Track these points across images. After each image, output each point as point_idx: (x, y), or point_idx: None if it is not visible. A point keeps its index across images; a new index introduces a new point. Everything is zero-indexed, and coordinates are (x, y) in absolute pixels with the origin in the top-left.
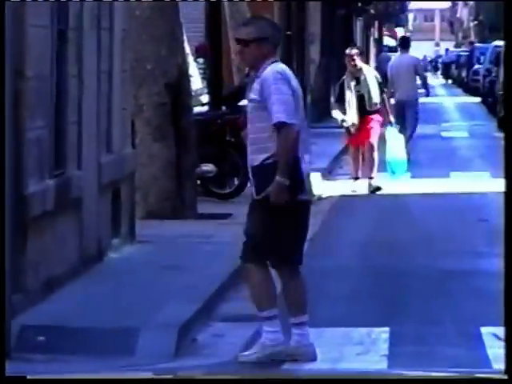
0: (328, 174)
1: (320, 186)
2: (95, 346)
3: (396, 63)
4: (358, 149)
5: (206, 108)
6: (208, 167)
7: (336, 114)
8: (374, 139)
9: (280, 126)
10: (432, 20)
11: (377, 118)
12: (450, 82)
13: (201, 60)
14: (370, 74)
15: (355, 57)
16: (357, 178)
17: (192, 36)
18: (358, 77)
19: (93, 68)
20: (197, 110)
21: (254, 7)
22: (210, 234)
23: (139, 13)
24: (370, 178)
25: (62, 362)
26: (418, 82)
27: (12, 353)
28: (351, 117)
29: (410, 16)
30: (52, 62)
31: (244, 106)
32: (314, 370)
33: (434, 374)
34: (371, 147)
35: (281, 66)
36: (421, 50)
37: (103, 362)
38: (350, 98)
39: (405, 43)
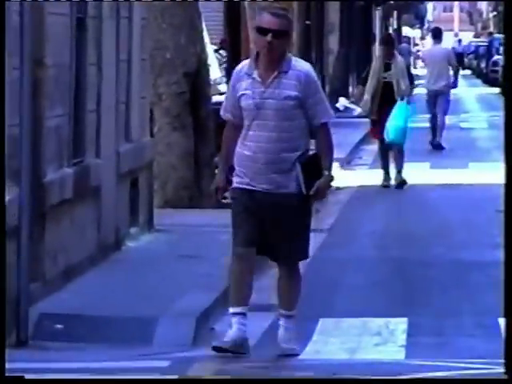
0: (347, 164)
1: (338, 176)
2: (113, 335)
3: (429, 54)
4: (383, 141)
5: (224, 97)
6: None
7: (341, 100)
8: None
9: (326, 124)
10: (451, 11)
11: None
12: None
13: (223, 52)
14: (401, 62)
15: (392, 40)
16: (387, 172)
17: (211, 25)
18: (389, 63)
19: (112, 57)
20: (215, 99)
21: None
22: (227, 223)
23: (158, 1)
24: (399, 171)
25: (79, 350)
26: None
27: (30, 341)
28: (364, 104)
29: (429, 6)
30: (71, 50)
31: None
32: (333, 360)
33: (434, 374)
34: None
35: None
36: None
37: (121, 351)
38: (374, 84)
39: (437, 34)
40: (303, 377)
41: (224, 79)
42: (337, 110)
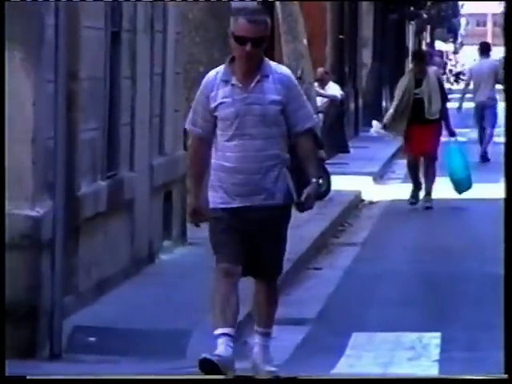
0: (379, 178)
1: (371, 190)
2: (146, 348)
3: (477, 68)
4: (415, 160)
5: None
6: None
7: (375, 126)
8: (433, 152)
9: (311, 129)
10: (484, 25)
11: (437, 127)
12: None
13: None
14: (434, 77)
15: (423, 56)
16: (417, 189)
17: None
18: (420, 79)
19: (146, 70)
20: None
21: (306, 11)
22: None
23: (192, 16)
24: (428, 193)
25: (112, 363)
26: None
27: (63, 354)
28: (388, 118)
29: (463, 21)
30: (105, 63)
31: None
32: (364, 374)
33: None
34: (431, 161)
35: None
36: (473, 55)
37: (154, 364)
38: (405, 100)
39: (485, 49)
40: (304, 377)
41: None
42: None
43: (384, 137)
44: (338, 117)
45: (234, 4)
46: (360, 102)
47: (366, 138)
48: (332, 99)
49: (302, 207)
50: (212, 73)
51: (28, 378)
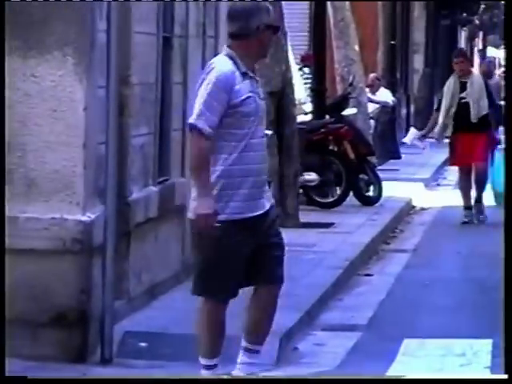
0: (431, 184)
1: (423, 197)
2: (197, 353)
3: None
4: (466, 171)
5: (309, 117)
6: (311, 176)
7: (411, 133)
8: (483, 162)
9: None
10: None
11: (486, 135)
12: None
13: (307, 70)
14: (479, 80)
15: (463, 58)
16: (468, 208)
17: (296, 45)
18: (464, 82)
19: (197, 76)
20: (300, 118)
21: (358, 16)
22: (312, 243)
23: None
24: (478, 200)
25: (162, 368)
26: None
27: (114, 358)
28: (438, 131)
29: None
30: (157, 69)
31: (348, 116)
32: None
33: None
34: (482, 169)
35: None
36: None
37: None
38: (449, 105)
39: None
40: (303, 377)
41: (309, 99)
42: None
43: (418, 147)
44: (389, 123)
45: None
46: (412, 107)
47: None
48: (383, 105)
49: None
50: (227, 66)
51: (29, 377)
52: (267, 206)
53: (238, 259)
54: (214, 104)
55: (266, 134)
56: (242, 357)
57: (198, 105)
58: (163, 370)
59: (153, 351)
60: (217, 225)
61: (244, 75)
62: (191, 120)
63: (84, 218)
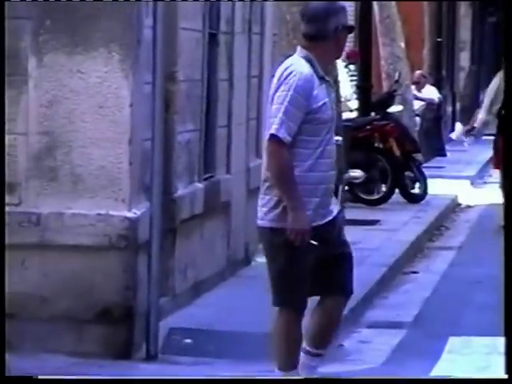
0: (477, 181)
1: (468, 194)
2: (241, 350)
3: None
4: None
5: (354, 114)
6: (356, 173)
7: (457, 128)
8: None
9: None
10: None
11: None
12: None
13: (352, 67)
14: None
15: None
16: None
17: None
18: None
19: (243, 72)
20: (346, 115)
21: (404, 14)
22: (357, 240)
23: (290, 17)
24: None
25: (207, 364)
26: None
27: (159, 355)
28: (478, 127)
29: None
30: (203, 65)
31: (393, 113)
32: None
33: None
34: None
35: None
36: None
37: (249, 366)
38: (491, 102)
39: None
40: (304, 377)
41: (355, 96)
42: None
43: (463, 143)
44: (435, 120)
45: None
46: (457, 105)
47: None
48: (429, 102)
49: None
50: (305, 69)
51: (29, 377)
52: (335, 213)
53: (308, 266)
54: (295, 111)
55: (337, 140)
56: (303, 359)
57: (278, 112)
58: (208, 367)
59: (198, 348)
60: (314, 242)
61: (321, 79)
62: (273, 131)
63: (130, 215)
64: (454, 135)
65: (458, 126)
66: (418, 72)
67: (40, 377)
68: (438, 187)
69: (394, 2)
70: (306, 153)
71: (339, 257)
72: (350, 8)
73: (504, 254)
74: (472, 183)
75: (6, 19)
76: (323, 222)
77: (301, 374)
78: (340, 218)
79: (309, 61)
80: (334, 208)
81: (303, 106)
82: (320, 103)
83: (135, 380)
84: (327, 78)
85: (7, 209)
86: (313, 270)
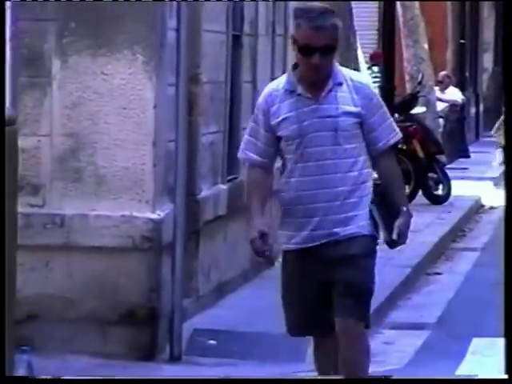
0: (500, 183)
1: (492, 196)
2: (265, 351)
3: None
4: None
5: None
6: None
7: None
8: None
9: (391, 149)
10: None
11: None
12: None
13: (376, 68)
14: None
15: None
16: None
17: (365, 44)
18: None
19: (267, 74)
20: None
21: (427, 15)
22: (380, 241)
23: None
24: None
25: (231, 366)
26: None
27: (183, 356)
28: (499, 121)
29: None
30: (226, 67)
31: (417, 114)
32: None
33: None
34: None
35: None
36: None
37: (273, 368)
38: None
39: None
40: (306, 377)
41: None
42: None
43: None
44: (458, 121)
45: (296, 4)
46: (481, 106)
47: (486, 143)
48: (452, 104)
49: (395, 245)
50: (273, 84)
51: (30, 377)
52: (341, 234)
53: (296, 291)
54: (257, 128)
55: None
56: None
57: None
58: (231, 368)
59: (221, 349)
60: (269, 244)
61: (290, 93)
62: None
63: (153, 216)
64: (493, 131)
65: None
66: (443, 73)
67: (40, 377)
68: (462, 188)
69: (417, 4)
70: (284, 172)
71: (336, 284)
72: (374, 9)
73: (504, 252)
74: (495, 184)
75: (30, 21)
76: (301, 246)
77: None
78: (350, 245)
79: (287, 75)
80: (343, 230)
81: (262, 122)
82: (279, 119)
83: (159, 380)
84: (299, 91)
85: (31, 210)
86: (314, 298)
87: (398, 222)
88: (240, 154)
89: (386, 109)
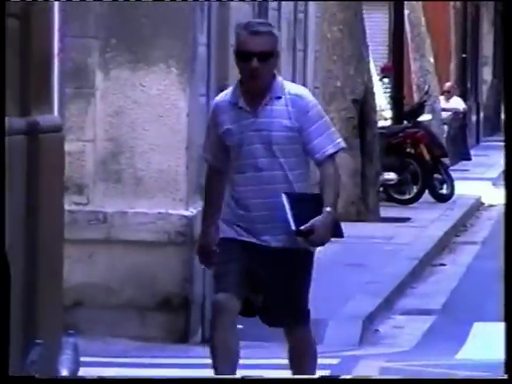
0: (498, 183)
1: (491, 195)
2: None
3: None
4: None
5: (388, 122)
6: (390, 175)
7: None
8: None
9: (330, 158)
10: None
11: None
12: None
13: (386, 80)
14: None
15: None
16: None
17: (377, 57)
18: None
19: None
20: (381, 123)
21: (432, 32)
22: (390, 236)
23: (330, 35)
24: None
25: (258, 348)
26: None
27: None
28: None
29: None
30: None
31: (423, 121)
32: (488, 360)
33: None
34: None
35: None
36: None
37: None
38: None
39: None
40: (305, 377)
41: (389, 106)
42: None
43: None
44: (460, 128)
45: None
46: (481, 114)
47: (486, 147)
48: (455, 112)
49: (306, 238)
50: (221, 95)
51: (33, 377)
52: (273, 244)
53: (233, 264)
54: (209, 134)
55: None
56: None
57: None
58: (259, 350)
59: (249, 332)
60: (212, 253)
61: (233, 105)
62: None
63: (187, 213)
64: None
65: None
66: (449, 83)
67: (40, 377)
68: (464, 188)
69: (423, 21)
70: (231, 176)
71: (272, 290)
72: (385, 26)
73: (504, 252)
74: (494, 184)
75: (76, 37)
76: (247, 239)
77: None
78: (288, 253)
79: (232, 88)
80: (274, 240)
81: (213, 130)
82: (223, 129)
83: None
84: (240, 104)
85: (77, 208)
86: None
87: (315, 219)
88: (203, 154)
89: (326, 120)
